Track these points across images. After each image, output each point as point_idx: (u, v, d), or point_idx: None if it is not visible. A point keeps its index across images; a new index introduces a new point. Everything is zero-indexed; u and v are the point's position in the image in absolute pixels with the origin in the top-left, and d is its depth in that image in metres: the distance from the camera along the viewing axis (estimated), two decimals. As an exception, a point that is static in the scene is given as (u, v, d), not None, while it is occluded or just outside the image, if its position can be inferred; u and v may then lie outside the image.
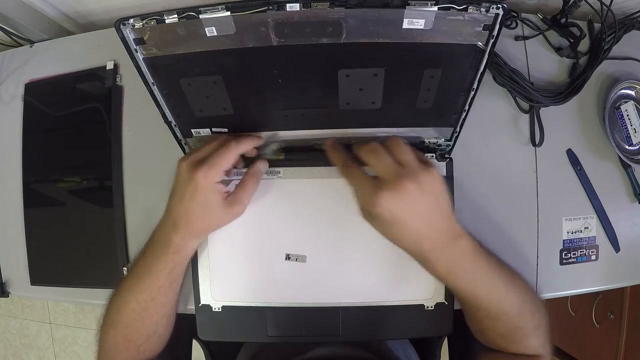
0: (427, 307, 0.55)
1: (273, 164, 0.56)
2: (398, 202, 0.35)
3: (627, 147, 0.63)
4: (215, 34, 0.41)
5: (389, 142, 0.40)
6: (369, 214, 0.39)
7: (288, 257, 0.56)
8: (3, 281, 0.68)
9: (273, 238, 0.56)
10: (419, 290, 0.56)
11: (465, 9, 0.40)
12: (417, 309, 0.55)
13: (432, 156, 0.56)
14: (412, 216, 0.36)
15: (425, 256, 0.39)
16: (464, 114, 0.51)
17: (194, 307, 0.56)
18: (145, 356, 0.51)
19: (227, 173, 0.48)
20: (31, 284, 0.66)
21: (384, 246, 0.55)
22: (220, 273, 0.57)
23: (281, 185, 0.56)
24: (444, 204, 0.38)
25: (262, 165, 0.51)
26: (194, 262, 0.56)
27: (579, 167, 0.61)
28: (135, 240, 0.62)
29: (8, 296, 0.68)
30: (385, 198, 0.35)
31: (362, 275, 0.56)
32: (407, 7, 0.39)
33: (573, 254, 0.60)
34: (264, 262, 0.56)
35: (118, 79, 0.63)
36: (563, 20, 0.59)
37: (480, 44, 0.43)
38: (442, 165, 0.56)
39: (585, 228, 0.61)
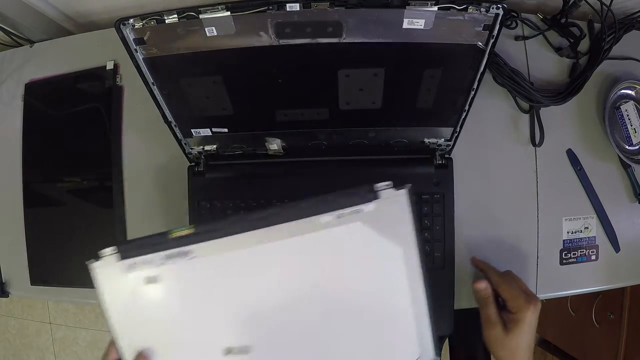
0: None
1: (179, 242, 0.41)
2: (535, 313, 0.50)
3: (627, 147, 0.63)
4: (215, 34, 0.41)
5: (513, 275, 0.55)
6: (511, 318, 0.50)
7: (229, 351, 0.43)
8: (3, 281, 0.68)
9: (205, 331, 0.43)
10: (403, 351, 0.44)
11: (465, 9, 0.40)
12: None
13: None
14: (534, 327, 0.51)
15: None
16: (464, 114, 0.51)
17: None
18: None
19: None
20: (31, 284, 0.66)
21: (352, 313, 0.43)
22: None
23: (198, 266, 0.42)
24: None
25: None
26: None
27: (579, 167, 0.61)
28: (135, 240, 0.62)
29: (8, 296, 0.68)
30: (534, 307, 0.50)
31: (328, 355, 0.44)
32: (407, 7, 0.39)
33: (573, 254, 0.60)
34: None
35: (118, 79, 0.63)
36: (563, 20, 0.59)
37: (480, 44, 0.43)
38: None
39: (585, 228, 0.61)
